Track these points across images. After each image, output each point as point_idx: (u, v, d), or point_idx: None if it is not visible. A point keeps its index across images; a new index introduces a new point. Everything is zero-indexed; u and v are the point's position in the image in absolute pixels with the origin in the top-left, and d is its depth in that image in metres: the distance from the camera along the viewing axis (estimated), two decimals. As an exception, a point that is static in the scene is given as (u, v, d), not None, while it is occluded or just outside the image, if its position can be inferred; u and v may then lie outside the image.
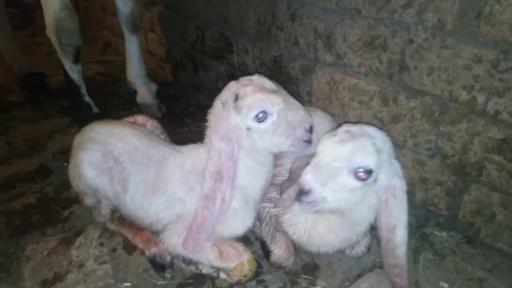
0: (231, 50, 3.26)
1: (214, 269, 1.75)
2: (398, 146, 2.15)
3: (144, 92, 3.39)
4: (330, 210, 1.46)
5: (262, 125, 1.54)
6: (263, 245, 1.82)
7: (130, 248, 1.94)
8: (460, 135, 1.85)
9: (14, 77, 3.91)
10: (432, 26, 1.83)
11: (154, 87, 3.47)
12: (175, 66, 4.21)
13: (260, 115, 1.52)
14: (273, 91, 1.55)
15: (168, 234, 1.74)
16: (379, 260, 1.82)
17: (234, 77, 3.33)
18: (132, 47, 3.30)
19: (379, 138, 1.44)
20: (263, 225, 1.82)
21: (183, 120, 3.34)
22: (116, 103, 3.64)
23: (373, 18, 2.07)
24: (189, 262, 1.78)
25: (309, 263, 1.86)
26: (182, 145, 1.88)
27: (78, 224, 2.13)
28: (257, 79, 1.59)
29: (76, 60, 2.70)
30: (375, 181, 1.42)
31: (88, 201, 1.95)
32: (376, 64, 2.13)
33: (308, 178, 1.37)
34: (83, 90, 2.80)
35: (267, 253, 1.78)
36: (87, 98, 2.82)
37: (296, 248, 1.91)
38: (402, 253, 1.50)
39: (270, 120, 1.53)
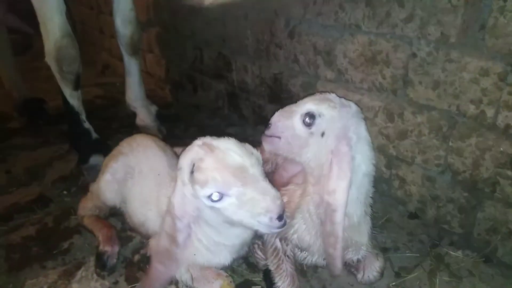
0: (230, 68, 3.23)
1: None
2: (406, 162, 2.09)
3: (144, 114, 3.34)
4: (282, 150, 1.60)
5: (217, 205, 1.37)
6: (267, 275, 1.73)
7: (132, 280, 1.86)
8: (471, 150, 1.79)
9: (13, 104, 3.88)
10: (435, 39, 1.79)
11: (154, 108, 3.42)
12: (174, 86, 4.18)
13: (214, 195, 1.34)
14: (236, 169, 1.34)
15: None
16: (393, 284, 1.74)
17: (234, 95, 3.32)
18: (131, 70, 3.27)
19: (341, 103, 1.52)
20: (270, 250, 1.74)
21: (184, 141, 3.27)
22: (116, 126, 3.59)
23: (373, 33, 2.04)
24: (169, 282, 1.73)
25: (319, 290, 1.78)
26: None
27: (79, 256, 2.05)
28: (222, 148, 1.38)
29: (76, 87, 2.65)
30: (322, 135, 1.48)
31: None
32: (379, 80, 2.09)
33: (276, 113, 1.59)
34: (83, 116, 2.75)
35: (270, 285, 1.68)
36: (87, 124, 2.77)
37: (306, 275, 1.84)
38: (339, 219, 1.43)
39: (227, 201, 1.36)
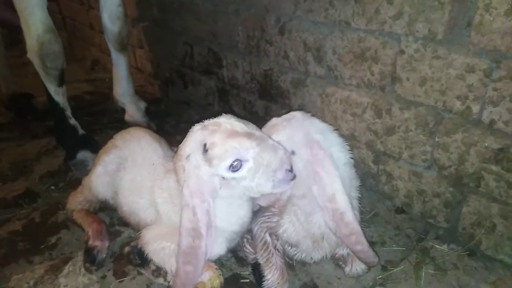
0: (221, 65, 3.23)
1: None
2: (393, 158, 2.11)
3: (133, 110, 3.33)
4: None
5: (238, 174, 1.42)
6: (256, 269, 1.73)
7: (120, 274, 1.85)
8: (456, 146, 1.82)
9: (1, 98, 3.83)
10: (423, 36, 1.81)
11: (143, 104, 3.41)
12: (164, 82, 4.16)
13: (235, 163, 1.39)
14: (246, 134, 1.42)
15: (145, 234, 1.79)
16: (380, 277, 1.76)
17: (224, 91, 3.32)
18: (119, 66, 3.24)
19: (285, 119, 1.59)
20: (260, 244, 1.74)
21: (174, 137, 3.25)
22: (105, 122, 3.57)
23: (362, 30, 2.05)
24: (158, 274, 1.73)
25: (307, 283, 1.79)
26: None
27: (66, 251, 2.04)
28: (226, 122, 1.46)
29: (61, 83, 2.60)
30: (293, 154, 1.52)
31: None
32: (367, 76, 2.11)
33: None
34: (68, 112, 2.71)
35: (259, 278, 1.69)
36: (72, 121, 2.73)
37: (294, 268, 1.86)
38: (351, 218, 1.48)
39: (246, 167, 1.41)
